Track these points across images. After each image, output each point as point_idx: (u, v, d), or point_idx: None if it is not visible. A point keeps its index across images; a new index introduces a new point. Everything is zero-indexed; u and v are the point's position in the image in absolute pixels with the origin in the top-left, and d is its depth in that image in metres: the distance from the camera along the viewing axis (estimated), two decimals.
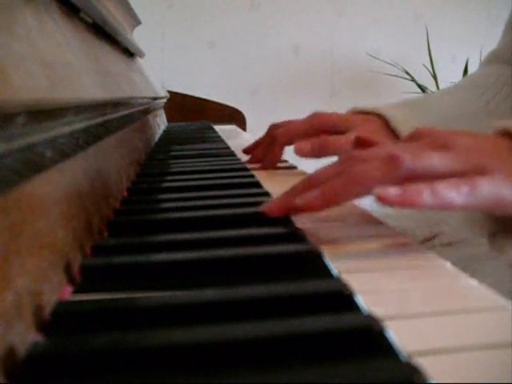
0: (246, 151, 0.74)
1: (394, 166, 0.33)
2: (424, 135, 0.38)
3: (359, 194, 0.35)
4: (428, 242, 0.67)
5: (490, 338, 0.22)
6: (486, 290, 0.27)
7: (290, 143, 0.65)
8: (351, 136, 0.57)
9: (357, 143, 0.42)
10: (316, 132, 0.63)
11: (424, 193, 0.32)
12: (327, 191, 0.35)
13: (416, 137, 0.38)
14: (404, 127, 0.62)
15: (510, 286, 0.60)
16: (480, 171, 0.34)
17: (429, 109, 0.68)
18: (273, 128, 0.70)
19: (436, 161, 0.34)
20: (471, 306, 0.25)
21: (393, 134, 0.63)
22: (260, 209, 0.38)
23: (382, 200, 0.32)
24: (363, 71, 2.49)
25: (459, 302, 0.25)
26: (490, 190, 0.33)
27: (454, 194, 0.32)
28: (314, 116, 0.64)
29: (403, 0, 2.54)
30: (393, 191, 0.32)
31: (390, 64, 2.43)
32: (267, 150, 0.68)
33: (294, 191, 0.38)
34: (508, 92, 0.69)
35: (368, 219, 0.41)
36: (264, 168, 0.67)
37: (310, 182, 0.37)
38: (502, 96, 0.68)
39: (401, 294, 0.26)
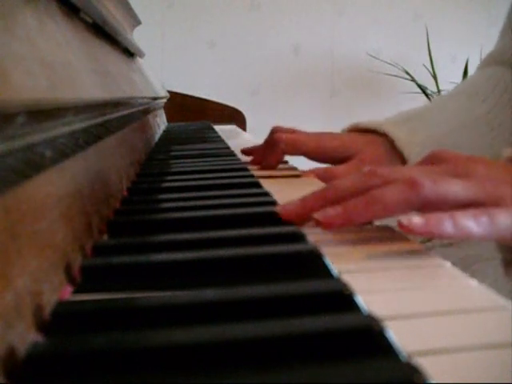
0: (244, 152, 0.74)
1: (415, 191, 0.34)
2: (442, 159, 0.38)
3: (378, 216, 0.35)
4: (428, 242, 0.67)
5: (490, 338, 0.22)
6: (485, 290, 0.27)
7: (292, 154, 0.65)
8: (353, 165, 0.58)
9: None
10: (321, 154, 0.64)
11: (445, 223, 0.33)
12: (349, 210, 0.35)
13: (433, 160, 0.39)
14: (409, 147, 0.62)
15: (510, 286, 0.60)
16: (497, 201, 0.34)
17: (431, 121, 0.67)
18: (276, 131, 0.70)
19: (456, 188, 0.34)
20: (471, 306, 0.25)
21: (398, 154, 0.63)
22: (277, 209, 0.38)
23: (406, 229, 0.32)
24: (363, 71, 2.49)
25: (459, 302, 0.25)
26: (508, 221, 0.34)
27: (473, 224, 0.33)
28: (321, 137, 0.64)
29: (403, 0, 2.54)
30: (417, 221, 0.32)
31: (390, 64, 2.43)
32: (269, 152, 0.68)
33: (313, 199, 0.38)
34: (508, 99, 0.68)
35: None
36: (263, 168, 0.67)
37: (330, 193, 0.37)
38: (503, 103, 0.68)
39: (401, 294, 0.26)
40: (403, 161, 0.63)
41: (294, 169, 0.67)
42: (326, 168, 0.62)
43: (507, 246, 0.40)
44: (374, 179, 0.36)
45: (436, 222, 0.33)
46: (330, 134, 0.67)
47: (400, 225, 0.33)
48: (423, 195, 0.34)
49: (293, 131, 0.68)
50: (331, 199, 0.37)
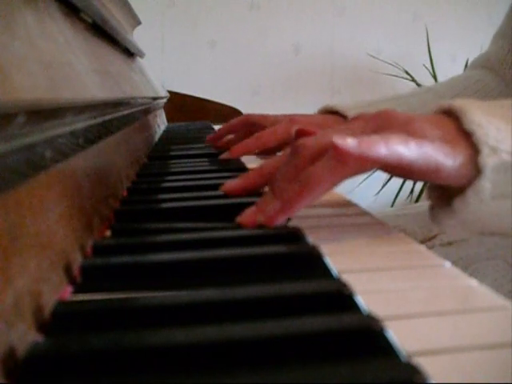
0: (212, 139, 0.77)
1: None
2: (361, 117, 0.39)
3: (316, 196, 0.36)
4: (428, 242, 0.67)
5: (489, 338, 0.22)
6: (485, 290, 0.27)
7: (268, 146, 0.68)
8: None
9: (297, 136, 0.42)
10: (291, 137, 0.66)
11: (378, 144, 0.33)
12: (286, 203, 0.36)
13: (354, 119, 0.40)
14: None
15: (510, 286, 0.60)
16: (420, 138, 0.35)
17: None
18: (247, 120, 0.74)
19: (376, 137, 0.35)
20: (471, 306, 0.25)
21: None
22: (238, 221, 0.38)
23: (340, 150, 0.33)
24: (363, 71, 2.49)
25: (459, 301, 0.25)
26: (432, 153, 0.35)
27: (403, 148, 0.34)
28: (293, 122, 0.67)
29: (403, 0, 2.54)
30: (350, 142, 0.33)
31: (390, 64, 2.43)
32: (242, 138, 0.71)
33: (260, 205, 0.38)
34: (480, 97, 0.70)
35: (368, 220, 0.41)
36: (236, 151, 0.69)
37: (270, 190, 0.38)
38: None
39: (401, 294, 0.26)
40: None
41: None
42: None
43: (433, 189, 0.41)
44: (301, 156, 0.37)
45: (369, 142, 0.33)
46: (303, 115, 0.71)
47: (334, 146, 0.33)
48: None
49: (264, 118, 0.73)
50: (265, 182, 0.39)
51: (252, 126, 0.75)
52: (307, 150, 0.37)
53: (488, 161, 0.35)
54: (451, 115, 0.38)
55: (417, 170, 0.35)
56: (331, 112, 0.71)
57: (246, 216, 0.38)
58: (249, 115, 0.77)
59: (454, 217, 0.38)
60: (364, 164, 0.34)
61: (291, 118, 0.69)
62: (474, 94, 0.72)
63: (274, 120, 0.72)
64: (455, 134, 0.36)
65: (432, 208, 0.41)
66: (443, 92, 0.73)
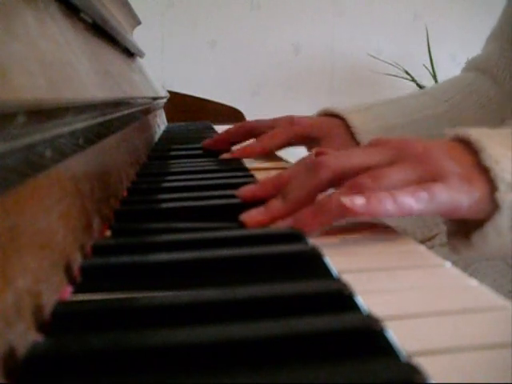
0: (208, 146, 0.77)
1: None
2: (382, 143, 0.40)
3: (329, 223, 0.37)
4: (428, 242, 0.67)
5: (489, 338, 0.22)
6: (485, 290, 0.27)
7: (271, 149, 0.69)
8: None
9: (317, 155, 0.44)
10: (295, 139, 0.69)
11: (385, 201, 0.34)
12: (299, 223, 0.36)
13: (375, 144, 0.41)
14: (362, 135, 0.67)
15: (510, 286, 0.60)
16: (435, 177, 0.36)
17: (387, 113, 0.72)
18: (244, 127, 0.75)
19: (394, 175, 0.36)
20: (471, 306, 0.25)
21: (353, 137, 0.68)
22: (242, 218, 0.38)
23: (349, 210, 0.34)
24: (363, 71, 2.49)
25: (459, 302, 0.25)
26: (447, 196, 0.35)
27: (412, 201, 0.34)
28: (293, 123, 0.69)
29: (403, 0, 2.54)
30: (358, 201, 0.34)
31: (390, 64, 2.43)
32: (242, 141, 0.73)
33: (270, 208, 0.39)
34: (474, 100, 0.71)
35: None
36: (240, 154, 0.69)
37: (283, 196, 0.40)
38: (467, 103, 0.71)
39: (401, 294, 0.26)
40: (357, 144, 0.68)
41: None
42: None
43: (451, 221, 0.42)
44: (321, 174, 0.38)
45: (376, 201, 0.34)
46: (302, 116, 0.71)
47: (342, 206, 0.34)
48: (370, 188, 0.35)
49: (265, 123, 0.73)
50: (285, 206, 0.39)
51: (250, 132, 0.75)
52: (327, 173, 0.38)
53: (506, 197, 0.35)
54: (468, 146, 0.38)
55: (432, 214, 0.36)
56: (330, 115, 0.71)
57: (252, 216, 0.38)
58: (246, 122, 0.77)
59: (471, 249, 0.39)
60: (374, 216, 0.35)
61: (291, 119, 0.69)
62: (467, 96, 0.72)
63: (273, 122, 0.72)
64: (472, 169, 0.37)
65: (450, 237, 0.42)
66: (438, 95, 0.74)
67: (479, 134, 0.38)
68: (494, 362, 0.20)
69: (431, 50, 2.42)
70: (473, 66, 0.77)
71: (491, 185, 0.36)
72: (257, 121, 0.76)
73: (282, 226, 0.37)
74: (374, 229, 0.39)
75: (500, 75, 0.71)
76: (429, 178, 0.36)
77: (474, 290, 0.27)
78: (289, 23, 2.48)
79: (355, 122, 0.68)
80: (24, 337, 0.20)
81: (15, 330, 0.20)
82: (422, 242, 0.67)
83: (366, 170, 0.37)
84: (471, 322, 0.23)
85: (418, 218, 0.71)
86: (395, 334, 0.20)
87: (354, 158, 0.39)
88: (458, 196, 0.35)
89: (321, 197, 0.38)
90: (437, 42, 2.45)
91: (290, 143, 0.70)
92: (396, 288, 0.27)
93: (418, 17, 2.54)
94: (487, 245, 0.38)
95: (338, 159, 0.39)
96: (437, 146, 0.38)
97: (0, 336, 0.19)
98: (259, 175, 0.56)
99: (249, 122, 0.77)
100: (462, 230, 0.40)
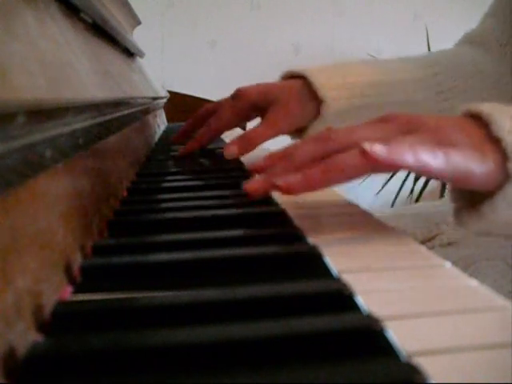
0: (178, 138, 0.78)
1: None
2: (392, 119, 0.39)
3: (336, 182, 0.36)
4: (428, 242, 0.67)
5: (489, 338, 0.22)
6: (485, 290, 0.27)
7: (221, 131, 0.70)
8: (270, 119, 0.63)
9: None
10: (242, 114, 0.68)
11: (406, 153, 0.34)
12: (308, 178, 0.36)
13: (385, 120, 0.40)
14: (324, 90, 0.64)
15: (510, 287, 0.60)
16: (448, 146, 0.36)
17: (355, 71, 0.69)
18: (207, 110, 0.75)
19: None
20: (471, 306, 0.25)
21: (313, 97, 0.65)
22: (244, 188, 0.38)
23: (368, 156, 0.34)
24: None
25: (459, 301, 0.25)
26: (461, 160, 0.35)
27: (430, 157, 0.34)
28: (238, 97, 0.67)
29: (403, 0, 2.54)
30: (379, 148, 0.34)
31: None
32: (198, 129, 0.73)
33: (276, 170, 0.39)
34: (466, 71, 0.70)
35: (368, 219, 0.41)
36: (192, 145, 0.69)
37: (290, 161, 0.39)
38: (458, 73, 0.70)
39: (401, 294, 0.26)
40: (319, 103, 0.65)
41: None
42: (243, 138, 0.65)
43: (458, 193, 0.42)
44: (330, 144, 0.38)
45: (398, 151, 0.34)
46: (252, 85, 0.70)
47: (362, 151, 0.34)
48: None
49: (219, 105, 0.73)
50: (293, 167, 0.38)
51: (209, 116, 0.74)
52: (338, 141, 0.38)
53: None
54: (479, 120, 0.38)
55: (445, 178, 0.36)
56: (295, 77, 0.69)
57: (256, 182, 0.38)
58: (203, 107, 0.76)
59: (480, 220, 0.39)
60: (390, 168, 0.35)
61: (236, 93, 0.68)
62: (459, 65, 0.71)
63: (224, 101, 0.70)
64: (484, 140, 0.37)
65: (457, 211, 0.42)
66: (423, 61, 0.72)
67: (491, 108, 0.38)
68: (494, 362, 0.20)
69: (431, 50, 2.42)
70: (467, 40, 0.76)
71: (503, 155, 0.36)
72: (213, 103, 0.75)
73: (289, 179, 0.36)
74: (374, 229, 0.39)
75: (495, 49, 0.70)
76: (443, 145, 0.36)
77: (474, 290, 0.27)
78: (289, 23, 2.48)
79: (318, 78, 0.65)
80: (24, 337, 0.20)
81: (15, 329, 0.20)
82: (422, 242, 0.67)
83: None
84: (471, 322, 0.23)
85: (418, 218, 0.70)
86: (395, 334, 0.20)
87: (365, 132, 0.38)
88: (472, 164, 0.35)
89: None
90: (437, 42, 2.45)
91: (242, 119, 0.69)
92: (396, 288, 0.27)
93: (418, 17, 2.54)
94: (497, 215, 0.38)
95: (348, 133, 0.38)
96: (449, 121, 0.38)
97: (0, 336, 0.19)
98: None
99: (206, 105, 0.76)
100: (470, 201, 0.40)
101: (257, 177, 0.39)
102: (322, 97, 0.64)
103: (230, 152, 0.63)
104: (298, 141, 0.43)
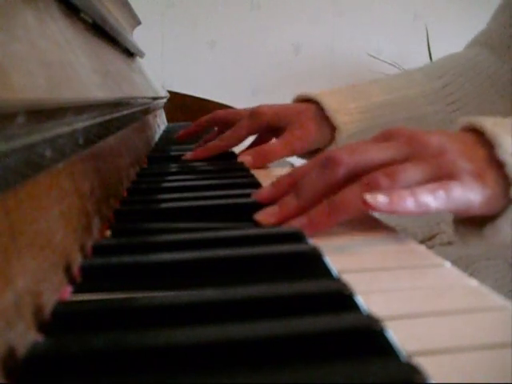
0: (182, 137, 0.78)
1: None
2: (394, 135, 0.40)
3: (342, 221, 0.37)
4: (428, 242, 0.67)
5: (489, 338, 0.22)
6: (485, 289, 0.27)
7: (233, 146, 0.70)
8: (286, 138, 0.64)
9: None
10: (256, 133, 0.70)
11: (407, 200, 0.34)
12: (314, 222, 0.37)
13: (386, 137, 0.40)
14: (337, 116, 0.65)
15: (511, 286, 0.60)
16: (449, 174, 0.36)
17: (365, 93, 0.69)
18: (216, 117, 0.75)
19: (410, 172, 0.36)
20: (471, 306, 0.25)
21: (328, 122, 0.66)
22: (257, 220, 0.38)
23: (371, 207, 0.34)
24: (363, 71, 2.49)
25: (459, 301, 0.25)
26: (461, 195, 0.35)
27: (431, 199, 0.35)
28: (256, 114, 0.68)
29: (403, 0, 2.54)
30: (381, 199, 0.34)
31: (389, 64, 2.43)
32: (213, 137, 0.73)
33: (284, 206, 0.39)
34: (476, 73, 0.70)
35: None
36: (202, 153, 0.69)
37: (297, 195, 0.39)
38: (466, 79, 0.70)
39: (401, 294, 0.26)
40: (332, 128, 0.66)
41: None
42: (258, 150, 0.66)
43: (460, 218, 0.42)
44: (335, 172, 0.38)
45: (398, 199, 0.34)
46: (269, 105, 0.70)
47: (364, 202, 0.34)
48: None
49: (234, 113, 0.74)
50: (299, 202, 0.38)
51: (219, 123, 0.74)
52: (342, 169, 0.38)
53: None
54: (482, 135, 0.38)
55: (448, 212, 0.37)
56: (303, 100, 0.69)
57: (266, 215, 0.38)
58: (217, 112, 0.76)
59: (482, 240, 0.39)
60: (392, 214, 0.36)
61: (254, 112, 0.68)
62: (467, 70, 0.71)
63: (239, 114, 0.71)
64: (486, 163, 0.37)
65: (457, 226, 0.42)
66: (431, 72, 0.72)
67: (493, 125, 0.38)
68: (494, 362, 0.20)
69: (431, 50, 2.42)
70: (476, 42, 0.76)
71: (505, 179, 0.36)
72: (226, 111, 0.75)
73: (295, 224, 0.37)
74: (374, 229, 0.39)
75: (506, 51, 0.69)
76: (443, 175, 0.36)
77: (474, 290, 0.27)
78: (289, 23, 2.48)
79: (330, 103, 0.66)
80: (24, 337, 0.20)
81: (15, 329, 0.20)
82: (422, 241, 0.67)
83: (380, 165, 0.37)
84: (471, 322, 0.23)
85: (418, 218, 0.70)
86: (395, 334, 0.20)
87: (369, 154, 0.38)
88: (473, 196, 0.36)
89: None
90: (437, 41, 2.45)
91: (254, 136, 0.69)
92: (396, 288, 0.27)
93: (418, 17, 2.54)
94: (499, 237, 0.38)
95: (353, 155, 0.38)
96: (450, 141, 0.38)
97: (0, 336, 0.19)
98: (259, 175, 0.56)
99: (218, 112, 0.76)
100: (470, 225, 0.40)
101: (268, 209, 0.39)
102: (335, 122, 0.65)
103: (245, 161, 0.64)
104: (304, 163, 0.44)
